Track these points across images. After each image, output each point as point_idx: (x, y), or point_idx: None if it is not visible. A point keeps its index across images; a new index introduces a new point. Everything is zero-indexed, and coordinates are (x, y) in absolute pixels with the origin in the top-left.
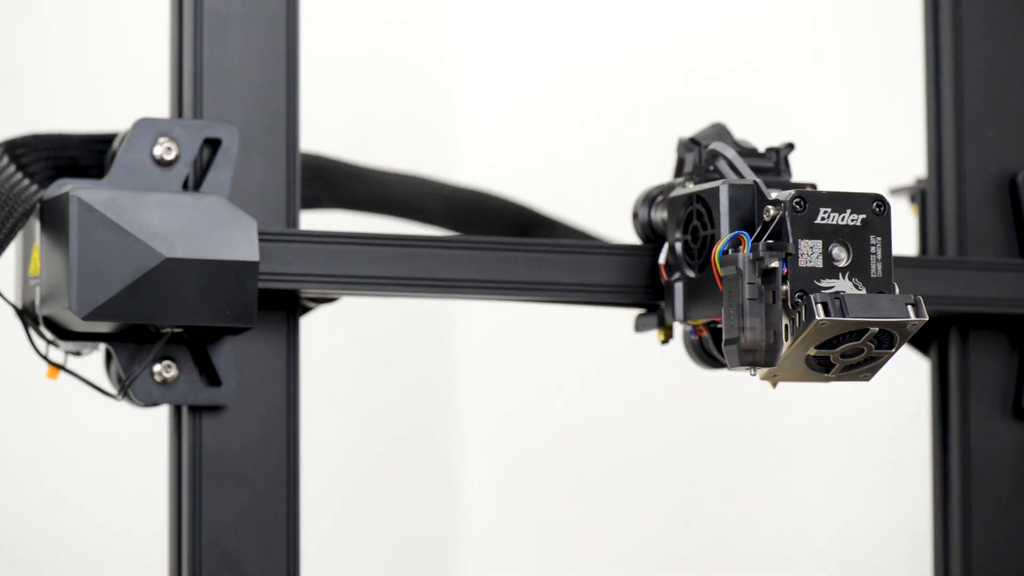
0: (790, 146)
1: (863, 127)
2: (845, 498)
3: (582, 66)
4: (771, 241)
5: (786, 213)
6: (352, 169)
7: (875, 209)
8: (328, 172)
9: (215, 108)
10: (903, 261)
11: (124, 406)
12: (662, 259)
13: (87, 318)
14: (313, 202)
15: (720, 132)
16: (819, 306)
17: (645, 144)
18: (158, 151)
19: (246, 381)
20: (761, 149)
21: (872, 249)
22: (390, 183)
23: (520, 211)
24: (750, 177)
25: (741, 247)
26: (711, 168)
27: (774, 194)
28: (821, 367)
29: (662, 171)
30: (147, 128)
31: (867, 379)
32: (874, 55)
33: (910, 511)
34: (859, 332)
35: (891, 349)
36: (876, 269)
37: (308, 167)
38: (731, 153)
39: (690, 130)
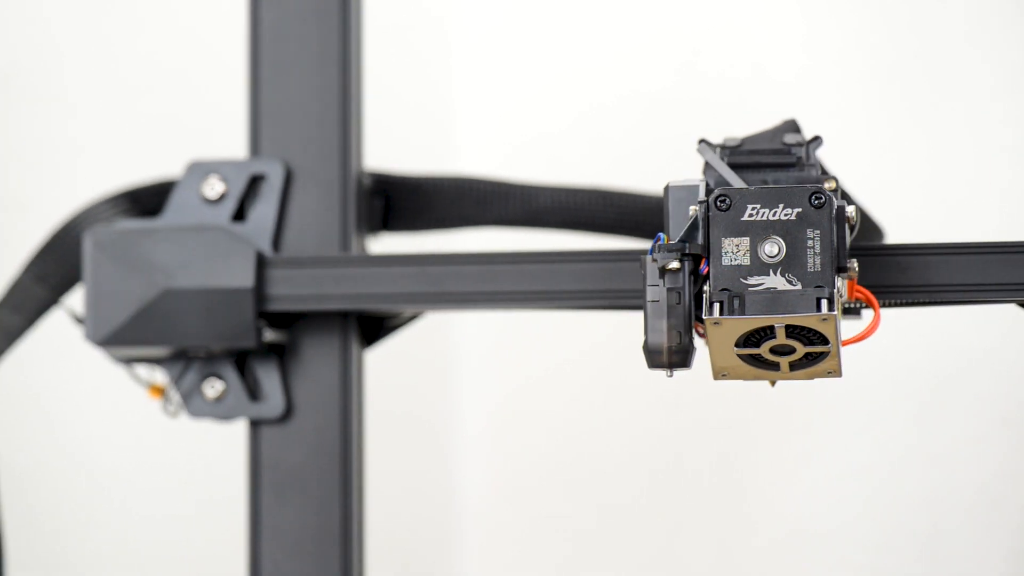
0: (817, 140)
1: (862, 124)
2: (846, 500)
3: (579, 62)
4: (672, 242)
5: (707, 212)
6: (506, 187)
7: (813, 202)
8: (476, 191)
9: (273, 143)
10: None
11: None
12: None
13: (100, 344)
14: (460, 221)
15: (777, 131)
16: (716, 305)
17: (643, 139)
18: (206, 190)
19: (303, 396)
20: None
21: (809, 243)
22: (549, 196)
23: None
24: (732, 179)
25: None
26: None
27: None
28: (766, 365)
29: (660, 167)
30: (198, 169)
31: (836, 375)
32: (872, 51)
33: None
34: (771, 329)
35: (825, 345)
36: (814, 263)
37: (449, 188)
38: (709, 154)
39: (690, 125)
